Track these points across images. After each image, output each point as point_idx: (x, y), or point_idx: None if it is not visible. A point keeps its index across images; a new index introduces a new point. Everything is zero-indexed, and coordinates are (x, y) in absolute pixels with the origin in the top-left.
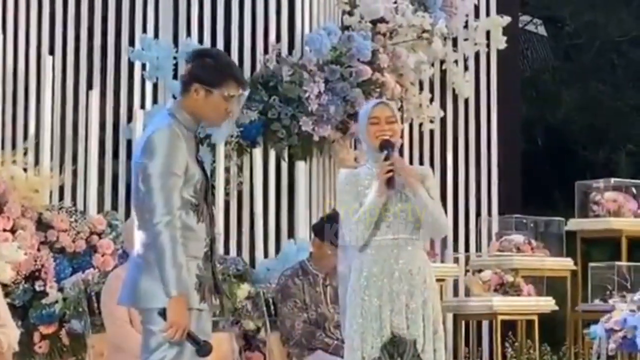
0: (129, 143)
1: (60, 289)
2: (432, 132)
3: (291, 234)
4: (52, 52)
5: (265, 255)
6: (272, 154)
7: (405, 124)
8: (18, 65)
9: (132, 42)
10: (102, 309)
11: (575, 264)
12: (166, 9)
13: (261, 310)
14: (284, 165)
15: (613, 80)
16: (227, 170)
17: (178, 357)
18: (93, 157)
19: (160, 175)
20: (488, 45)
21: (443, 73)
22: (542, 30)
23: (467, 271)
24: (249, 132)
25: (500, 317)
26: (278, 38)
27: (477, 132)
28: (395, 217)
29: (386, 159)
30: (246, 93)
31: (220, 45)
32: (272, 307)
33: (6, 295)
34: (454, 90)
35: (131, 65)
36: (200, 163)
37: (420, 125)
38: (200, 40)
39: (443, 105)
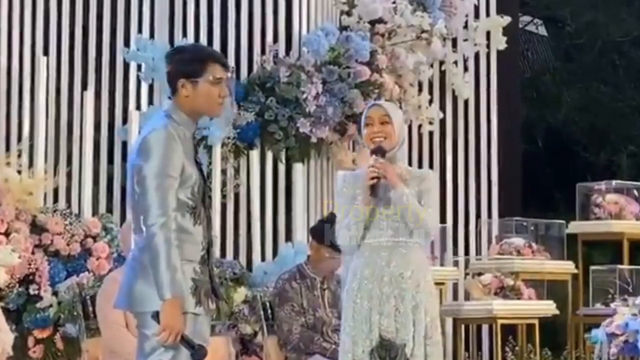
0: (124, 145)
1: (55, 293)
2: (431, 133)
3: (289, 236)
4: (46, 52)
5: (263, 258)
6: (270, 156)
7: (404, 125)
8: (12, 65)
9: (127, 43)
10: (98, 312)
11: (576, 267)
12: (162, 9)
13: (258, 314)
14: (281, 167)
15: (614, 81)
16: (223, 172)
17: None
18: (88, 159)
19: (155, 176)
20: (488, 46)
21: (442, 74)
22: (542, 31)
23: (466, 274)
24: (245, 134)
25: (500, 321)
26: (275, 38)
27: (476, 134)
28: (387, 219)
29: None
30: (231, 75)
31: (216, 45)
32: (269, 311)
33: (0, 299)
34: (453, 91)
35: (126, 66)
36: (198, 165)
37: (420, 126)
38: (197, 41)
39: (442, 107)
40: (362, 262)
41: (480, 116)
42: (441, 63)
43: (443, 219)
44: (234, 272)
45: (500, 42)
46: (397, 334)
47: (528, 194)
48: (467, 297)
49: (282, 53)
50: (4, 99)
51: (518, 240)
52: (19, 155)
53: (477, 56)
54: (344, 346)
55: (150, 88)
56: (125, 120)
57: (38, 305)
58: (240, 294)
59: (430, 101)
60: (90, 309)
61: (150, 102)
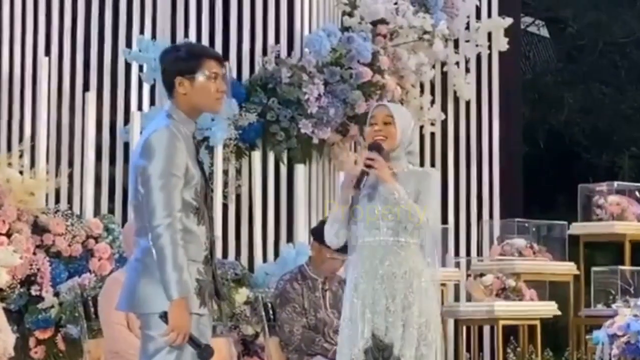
0: (126, 145)
1: (56, 294)
2: (433, 134)
3: (290, 237)
4: (48, 53)
5: (264, 259)
6: (271, 157)
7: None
8: (14, 66)
9: (129, 44)
10: (100, 313)
11: (578, 268)
12: (164, 10)
13: (260, 315)
14: (283, 168)
15: (616, 82)
16: (225, 173)
17: None
18: (90, 160)
19: (159, 176)
20: (490, 47)
21: (444, 75)
22: (544, 32)
23: (468, 276)
24: (247, 135)
25: (502, 322)
26: (277, 39)
27: (478, 135)
28: (386, 219)
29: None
30: (227, 71)
31: (218, 46)
32: (270, 312)
33: (1, 299)
34: (455, 92)
35: (128, 67)
36: (200, 164)
37: (421, 127)
38: (199, 42)
39: (444, 108)
40: (360, 260)
41: (482, 117)
42: (443, 64)
43: (445, 220)
44: (236, 273)
45: (502, 44)
46: (386, 332)
47: (530, 195)
48: (469, 298)
49: (284, 54)
50: (5, 99)
51: (520, 242)
52: (21, 156)
53: (478, 57)
54: (342, 344)
55: (152, 89)
56: (127, 121)
57: (39, 306)
58: (242, 294)
59: (432, 102)
60: (92, 309)
61: (152, 102)
